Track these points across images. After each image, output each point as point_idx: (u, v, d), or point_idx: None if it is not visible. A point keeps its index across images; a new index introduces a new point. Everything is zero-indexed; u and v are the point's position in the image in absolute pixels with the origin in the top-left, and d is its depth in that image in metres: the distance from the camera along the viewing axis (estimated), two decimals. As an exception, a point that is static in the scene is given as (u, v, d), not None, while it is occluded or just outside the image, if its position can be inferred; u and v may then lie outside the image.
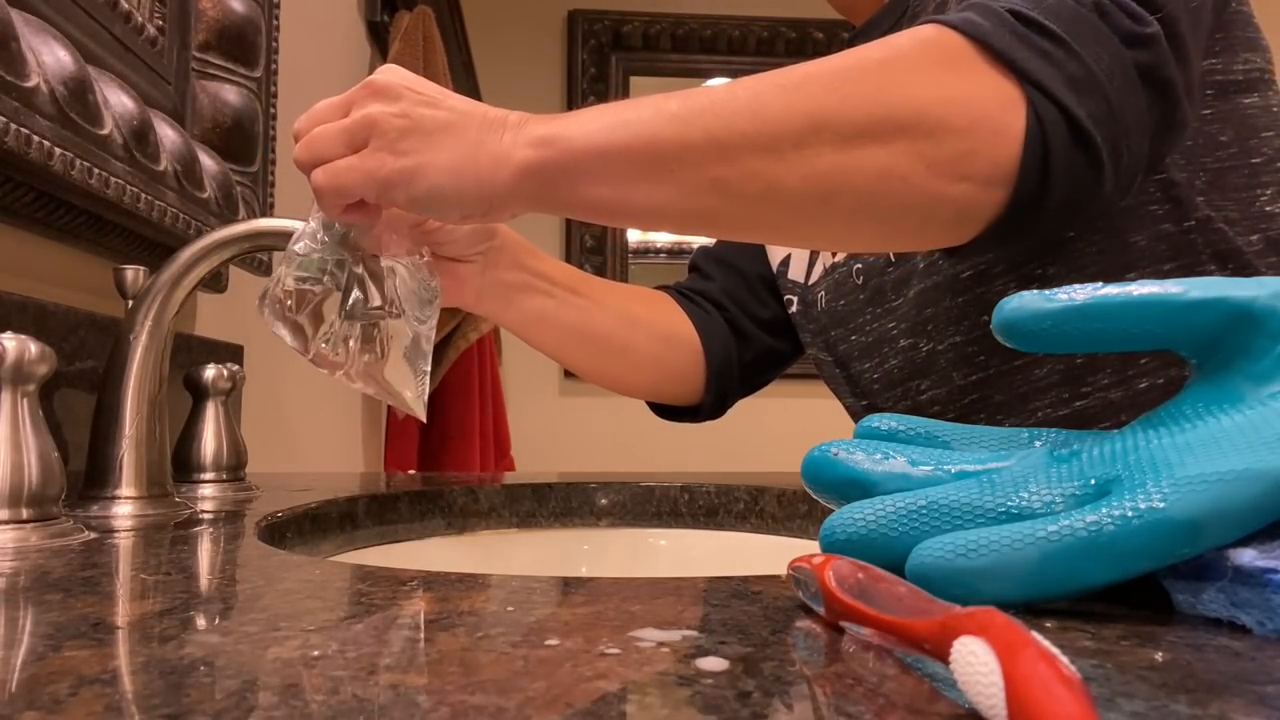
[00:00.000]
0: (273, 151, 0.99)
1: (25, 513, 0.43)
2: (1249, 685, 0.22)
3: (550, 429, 2.76)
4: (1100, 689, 0.21)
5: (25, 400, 0.44)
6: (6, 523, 0.43)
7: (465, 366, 1.91)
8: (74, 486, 0.55)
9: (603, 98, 2.85)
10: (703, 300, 0.86)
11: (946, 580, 0.29)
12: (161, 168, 0.72)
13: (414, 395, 0.54)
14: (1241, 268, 0.60)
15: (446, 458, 1.91)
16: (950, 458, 0.34)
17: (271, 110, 0.98)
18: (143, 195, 0.69)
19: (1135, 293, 0.30)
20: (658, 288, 0.89)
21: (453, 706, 0.20)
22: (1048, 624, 0.28)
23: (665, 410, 0.86)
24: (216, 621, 0.28)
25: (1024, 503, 0.30)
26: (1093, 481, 0.29)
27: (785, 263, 0.86)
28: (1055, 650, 0.18)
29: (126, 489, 0.54)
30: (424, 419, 0.56)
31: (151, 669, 0.23)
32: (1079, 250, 0.61)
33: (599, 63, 2.87)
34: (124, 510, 0.53)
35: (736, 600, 0.31)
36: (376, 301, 0.53)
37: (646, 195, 0.49)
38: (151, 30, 0.78)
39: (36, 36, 0.57)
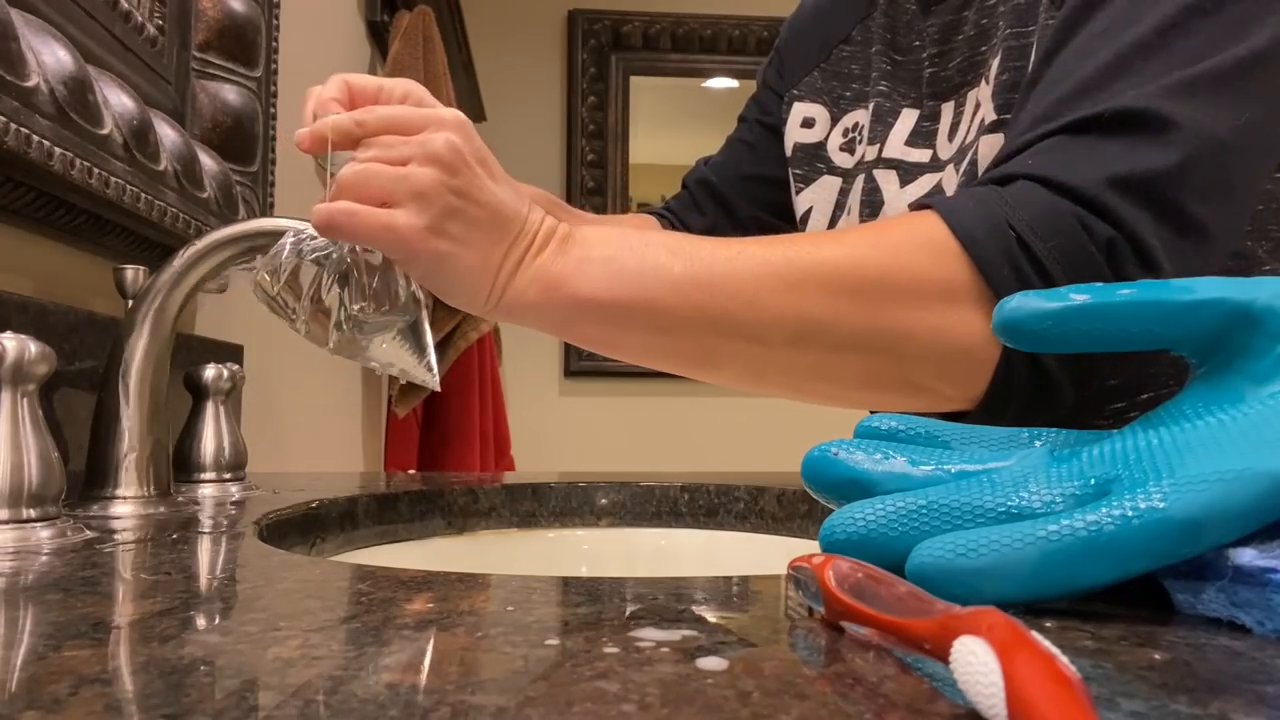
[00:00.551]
0: (273, 151, 0.99)
1: (25, 512, 0.43)
2: (1249, 685, 0.22)
3: (550, 429, 2.76)
4: (1100, 689, 0.21)
5: (25, 400, 0.44)
6: (6, 522, 0.43)
7: (465, 366, 1.91)
8: (74, 486, 0.55)
9: (603, 98, 2.86)
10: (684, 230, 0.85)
11: (946, 580, 0.29)
12: (161, 168, 0.72)
13: (422, 366, 0.54)
14: None
15: (446, 458, 1.91)
16: (950, 458, 0.34)
17: (271, 110, 0.98)
18: (143, 195, 0.69)
19: (1135, 293, 0.30)
20: (648, 212, 0.89)
21: (453, 706, 0.20)
22: (1048, 624, 0.28)
23: None
24: (216, 621, 0.28)
25: (1024, 503, 0.30)
26: (1093, 481, 0.29)
27: (805, 220, 0.83)
28: (1055, 650, 0.18)
29: (126, 489, 0.54)
30: (438, 387, 0.56)
31: (151, 669, 0.23)
32: None
33: (599, 63, 2.87)
34: (124, 510, 0.53)
35: (736, 600, 0.31)
36: (366, 293, 0.53)
37: (640, 344, 0.52)
38: (151, 30, 0.78)
39: (36, 36, 0.57)
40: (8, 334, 0.44)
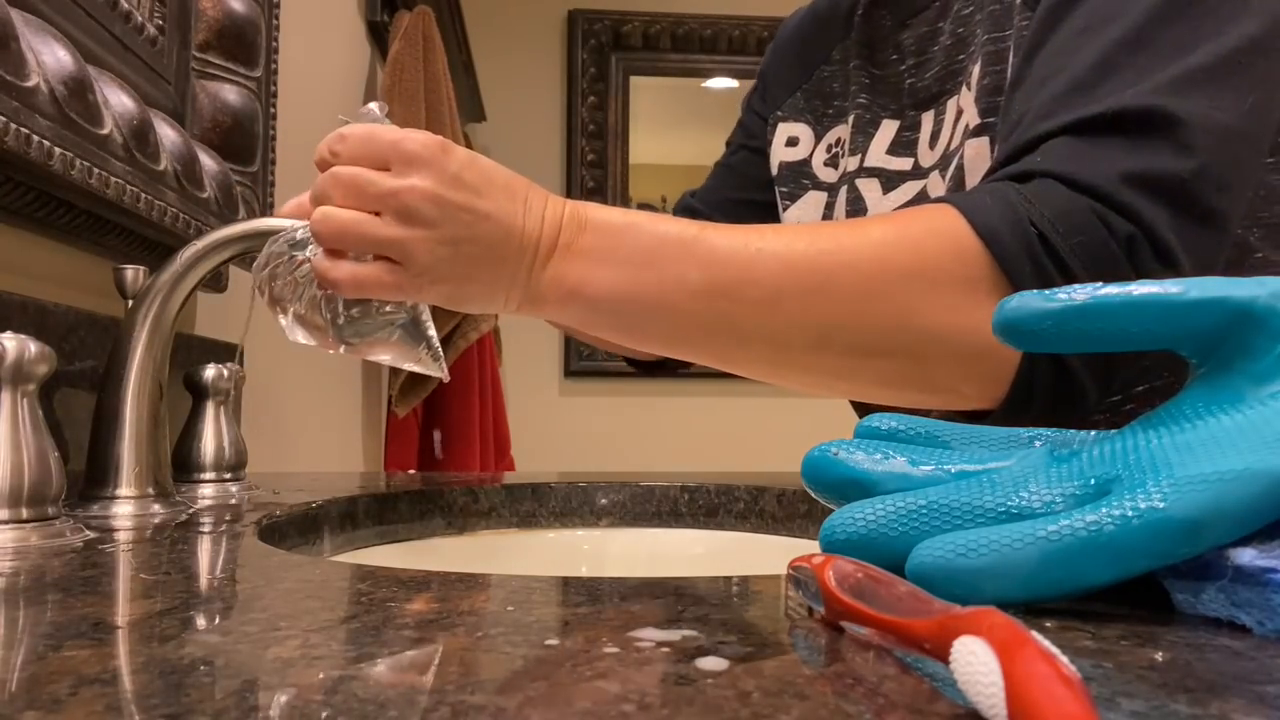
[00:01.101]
0: (273, 151, 0.99)
1: (25, 513, 0.43)
2: (1249, 685, 0.22)
3: (550, 429, 2.76)
4: (1100, 689, 0.21)
5: (25, 400, 0.44)
6: (6, 523, 0.43)
7: (465, 366, 1.91)
8: (74, 486, 0.55)
9: (603, 98, 2.86)
10: None
11: (946, 580, 0.29)
12: (161, 168, 0.72)
13: (428, 356, 0.54)
14: None
15: (447, 458, 1.91)
16: (950, 458, 0.34)
17: (271, 110, 0.98)
18: (143, 195, 0.69)
19: (1135, 293, 0.29)
20: None
21: (453, 706, 0.20)
22: (1048, 624, 0.28)
23: (639, 364, 0.88)
24: (216, 621, 0.28)
25: (1024, 503, 0.30)
26: (1093, 481, 0.29)
27: None
28: (1055, 650, 0.18)
29: (126, 489, 0.54)
30: (446, 377, 0.56)
31: (151, 669, 0.23)
32: None
33: (599, 63, 2.87)
34: (124, 510, 0.53)
35: (736, 600, 0.31)
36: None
37: (659, 345, 0.53)
38: (151, 30, 0.78)
39: (36, 36, 0.57)
40: (8, 334, 0.44)
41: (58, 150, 0.57)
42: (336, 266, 0.49)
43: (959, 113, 0.65)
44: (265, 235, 0.57)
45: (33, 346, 0.44)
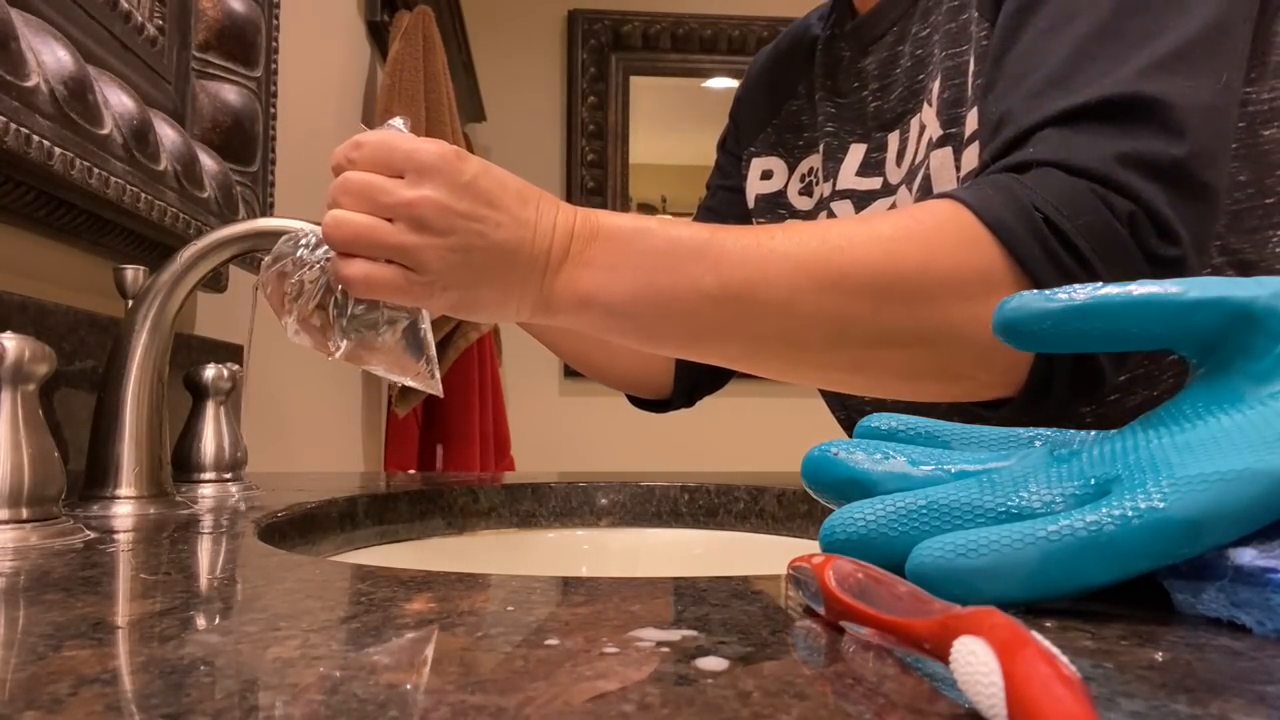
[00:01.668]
0: (273, 151, 0.99)
1: (25, 512, 0.43)
2: (1249, 685, 0.22)
3: (550, 429, 2.76)
4: (1100, 689, 0.21)
5: (25, 400, 0.44)
6: (6, 523, 0.43)
7: (465, 366, 1.91)
8: (74, 486, 0.55)
9: (603, 98, 2.85)
10: None
11: (946, 580, 0.29)
12: (161, 167, 0.72)
13: (425, 371, 0.54)
14: None
15: (447, 458, 1.91)
16: (950, 458, 0.34)
17: (271, 110, 0.98)
18: (143, 195, 0.69)
19: (1135, 293, 0.29)
20: None
21: (453, 706, 0.20)
22: (1048, 624, 0.28)
23: (641, 402, 0.89)
24: (216, 621, 0.28)
25: (1024, 503, 0.30)
26: (1093, 481, 0.29)
27: None
28: (1055, 650, 0.18)
29: (126, 489, 0.54)
30: (440, 392, 0.56)
31: (151, 669, 0.23)
32: None
33: (599, 63, 2.87)
34: (124, 510, 0.53)
35: (736, 600, 0.31)
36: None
37: (674, 348, 0.54)
38: (151, 30, 0.78)
39: (36, 36, 0.57)
40: (8, 334, 0.44)
41: (58, 150, 0.57)
42: (351, 264, 0.49)
43: (922, 128, 0.67)
44: (265, 235, 0.57)
45: (33, 346, 0.44)
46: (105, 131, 0.63)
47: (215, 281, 0.89)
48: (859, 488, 0.34)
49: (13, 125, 0.53)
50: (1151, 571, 0.28)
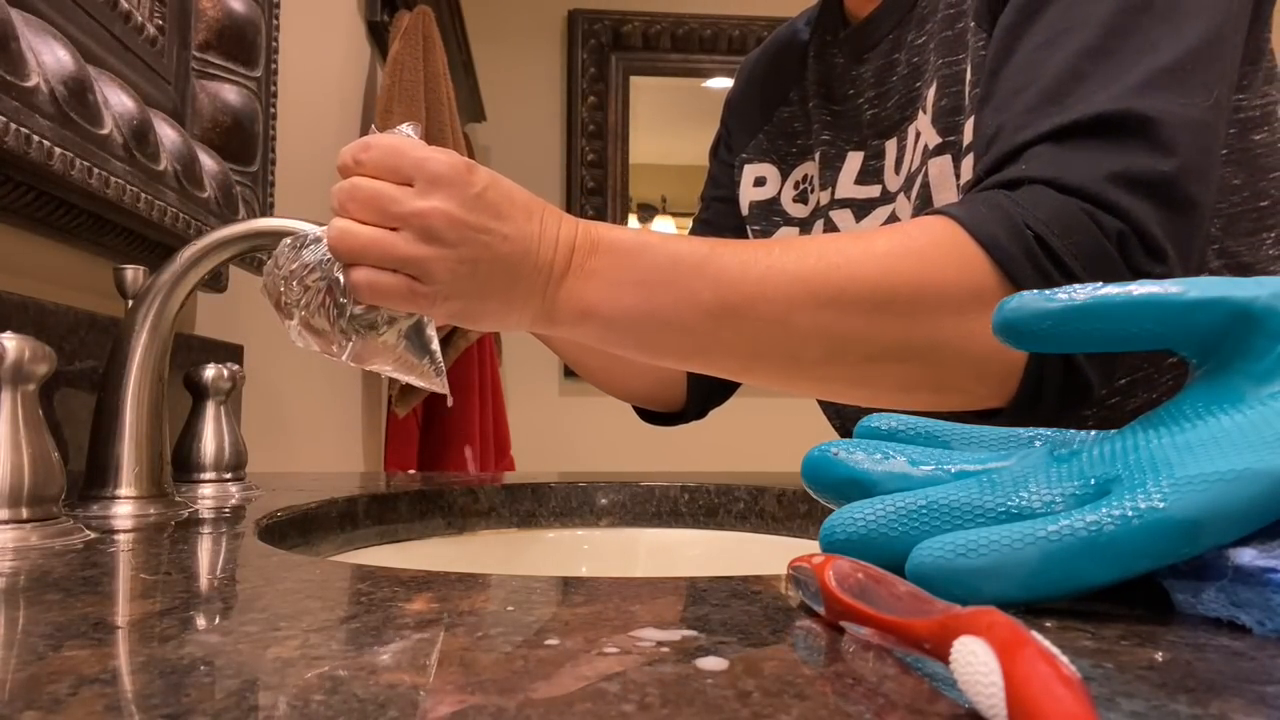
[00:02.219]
0: (273, 151, 0.99)
1: (25, 512, 0.43)
2: (1249, 685, 0.22)
3: (550, 429, 2.76)
4: (1100, 689, 0.21)
5: (25, 400, 0.44)
6: (6, 523, 0.43)
7: (465, 366, 1.91)
8: (74, 486, 0.55)
9: (603, 98, 2.85)
10: None
11: (946, 580, 0.29)
12: (161, 167, 0.72)
13: (430, 369, 0.54)
14: None
15: (447, 458, 1.91)
16: (950, 458, 0.34)
17: (271, 110, 0.98)
18: (143, 195, 0.69)
19: (1135, 292, 0.29)
20: None
21: (453, 706, 0.20)
22: (1048, 624, 0.28)
23: (650, 415, 0.89)
24: (216, 621, 0.28)
25: (1024, 503, 0.30)
26: (1093, 481, 0.29)
27: None
28: (1055, 650, 0.18)
29: (126, 489, 0.54)
30: (446, 391, 0.56)
31: (151, 669, 0.23)
32: None
33: (599, 63, 2.87)
34: (124, 510, 0.53)
35: (736, 600, 0.31)
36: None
37: (675, 361, 0.55)
38: (151, 30, 0.78)
39: (36, 36, 0.57)
40: (8, 334, 0.44)
41: (58, 150, 0.57)
42: (355, 270, 0.49)
43: (918, 135, 0.68)
44: (265, 235, 0.57)
45: (33, 346, 0.44)
46: (105, 131, 0.63)
47: (215, 281, 0.89)
48: (859, 488, 0.34)
49: (13, 125, 0.53)
50: (1151, 571, 0.28)
